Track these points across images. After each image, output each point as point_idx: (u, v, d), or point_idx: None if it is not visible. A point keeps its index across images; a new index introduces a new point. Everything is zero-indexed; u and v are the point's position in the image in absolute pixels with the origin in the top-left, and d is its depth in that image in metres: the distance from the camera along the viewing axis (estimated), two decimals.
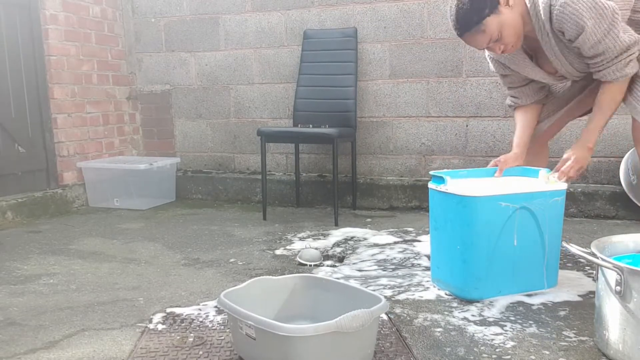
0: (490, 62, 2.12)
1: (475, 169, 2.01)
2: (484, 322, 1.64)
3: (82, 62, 3.61)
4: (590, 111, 2.10)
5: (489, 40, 1.80)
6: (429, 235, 2.66)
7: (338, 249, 2.48)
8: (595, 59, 1.79)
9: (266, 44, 3.61)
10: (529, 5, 1.79)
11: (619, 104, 1.88)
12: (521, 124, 2.09)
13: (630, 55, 1.76)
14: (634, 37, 1.74)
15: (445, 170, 1.92)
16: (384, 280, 2.04)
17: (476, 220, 1.74)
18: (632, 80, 1.84)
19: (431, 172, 1.89)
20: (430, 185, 1.89)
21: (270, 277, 1.60)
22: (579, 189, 3.02)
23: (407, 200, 3.35)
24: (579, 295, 1.83)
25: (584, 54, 1.80)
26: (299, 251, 2.40)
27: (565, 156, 1.90)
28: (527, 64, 1.97)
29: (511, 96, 2.14)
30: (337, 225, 2.93)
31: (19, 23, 3.25)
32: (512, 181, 1.91)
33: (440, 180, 1.84)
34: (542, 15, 1.77)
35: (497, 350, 1.46)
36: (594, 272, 1.79)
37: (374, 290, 1.82)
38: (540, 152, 2.18)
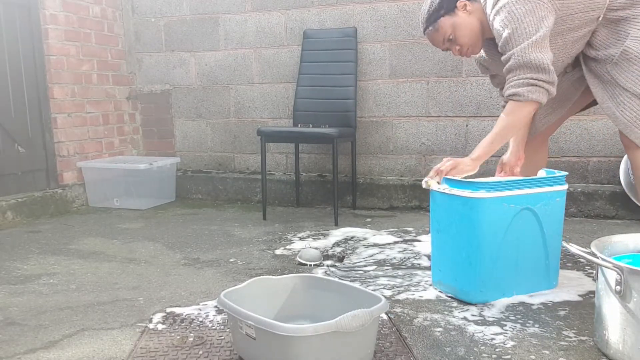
0: (477, 66, 2.23)
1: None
2: (483, 322, 1.64)
3: (82, 62, 3.61)
4: (589, 106, 2.11)
5: (442, 39, 1.96)
6: (429, 235, 2.67)
7: (338, 249, 2.48)
8: (505, 66, 1.82)
9: (266, 44, 3.61)
10: (486, 13, 1.89)
11: (518, 129, 1.92)
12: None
13: (533, 78, 1.76)
14: (544, 62, 1.74)
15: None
16: (383, 280, 2.04)
17: (482, 221, 1.72)
18: (612, 86, 1.84)
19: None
20: (432, 186, 1.88)
21: (270, 277, 1.60)
22: (579, 189, 3.03)
23: (407, 200, 3.35)
24: (579, 295, 1.83)
25: (502, 59, 1.86)
26: (299, 251, 2.40)
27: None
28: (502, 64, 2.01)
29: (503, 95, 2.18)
30: (337, 225, 2.93)
31: (19, 23, 3.25)
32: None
33: (450, 182, 1.82)
34: (490, 18, 1.86)
35: (497, 350, 1.46)
36: (594, 272, 1.79)
37: (374, 290, 1.82)
38: (540, 149, 2.20)
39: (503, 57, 1.83)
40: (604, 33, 1.85)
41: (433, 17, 1.93)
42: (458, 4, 1.91)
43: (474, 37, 1.93)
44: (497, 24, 1.81)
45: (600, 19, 1.83)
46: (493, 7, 1.82)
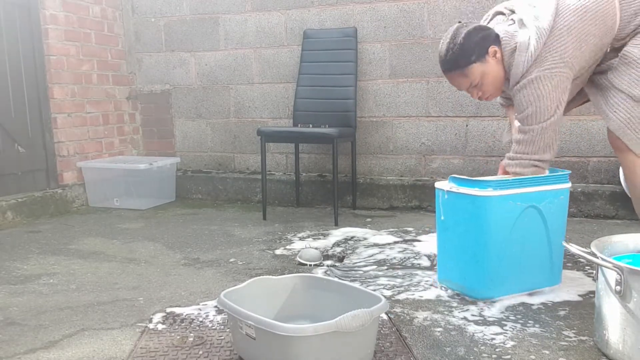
0: (499, 101, 2.23)
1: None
2: (483, 322, 1.64)
3: (82, 62, 3.61)
4: (582, 103, 2.12)
5: (469, 85, 1.90)
6: (429, 235, 2.67)
7: (338, 249, 2.48)
8: (520, 128, 1.85)
9: (266, 44, 3.61)
10: (506, 67, 1.86)
11: None
12: (514, 123, 2.12)
13: (539, 160, 1.83)
14: (553, 147, 1.83)
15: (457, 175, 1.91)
16: (383, 280, 2.04)
17: (489, 219, 1.74)
18: (607, 89, 1.86)
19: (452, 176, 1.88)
20: (438, 185, 1.88)
21: (270, 277, 1.60)
22: (579, 189, 3.03)
23: (407, 200, 3.35)
24: (579, 295, 1.83)
25: (517, 119, 1.89)
26: (299, 251, 2.40)
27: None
28: (506, 88, 2.02)
29: (501, 96, 2.19)
30: (337, 225, 2.93)
31: (19, 23, 3.25)
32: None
33: (457, 181, 1.83)
34: (512, 82, 1.85)
35: (497, 350, 1.46)
36: (594, 272, 1.79)
37: (373, 290, 1.82)
38: None
39: (519, 126, 1.85)
40: (609, 56, 1.89)
41: (463, 62, 1.83)
42: (490, 50, 1.83)
43: (499, 85, 1.90)
44: (521, 96, 1.80)
45: (608, 50, 1.87)
46: (522, 77, 1.79)
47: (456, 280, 1.88)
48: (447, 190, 1.84)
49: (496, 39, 1.84)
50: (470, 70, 1.84)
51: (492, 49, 1.83)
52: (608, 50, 1.86)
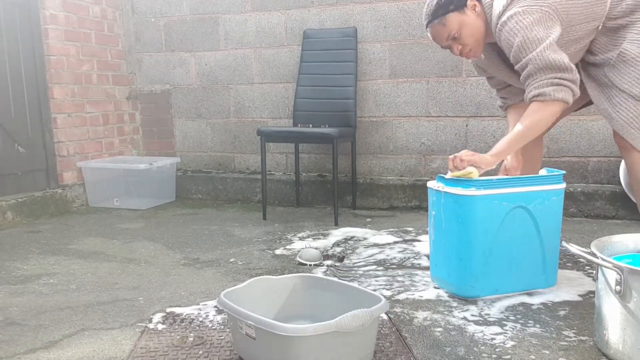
0: (474, 67, 2.21)
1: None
2: (483, 322, 1.64)
3: (82, 62, 3.61)
4: (586, 105, 2.11)
5: (447, 36, 1.90)
6: (428, 234, 2.67)
7: (338, 249, 2.48)
8: (523, 73, 1.80)
9: (266, 44, 3.61)
10: (488, 19, 1.87)
11: (542, 130, 1.85)
12: (514, 125, 2.11)
13: (556, 77, 1.74)
14: (565, 62, 1.73)
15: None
16: (383, 280, 2.04)
17: (472, 218, 1.75)
18: (609, 88, 1.84)
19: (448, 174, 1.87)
20: (429, 184, 1.90)
21: (270, 277, 1.61)
22: (579, 189, 3.03)
23: (407, 200, 3.35)
24: (578, 295, 1.83)
25: (515, 68, 1.85)
26: (299, 251, 2.40)
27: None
28: (502, 68, 2.02)
29: (500, 97, 2.19)
30: (337, 225, 2.93)
31: (18, 23, 3.25)
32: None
33: (443, 180, 1.84)
34: (493, 28, 1.85)
35: (497, 350, 1.46)
36: (594, 272, 1.79)
37: (374, 290, 1.82)
38: (535, 147, 2.20)
39: (517, 65, 1.80)
40: (603, 40, 1.86)
41: (441, 11, 1.87)
42: (468, 2, 1.87)
43: (478, 39, 1.91)
44: (505, 34, 1.79)
45: (600, 27, 1.84)
46: (499, 17, 1.79)
47: (444, 278, 1.89)
48: (435, 189, 1.85)
49: None
50: (447, 19, 1.87)
51: (471, 2, 1.87)
52: (600, 27, 1.83)
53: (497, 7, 1.81)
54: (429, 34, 1.97)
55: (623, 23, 1.81)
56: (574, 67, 1.75)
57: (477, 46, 1.93)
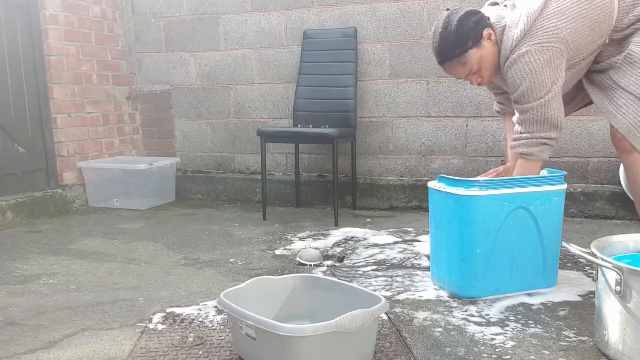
0: (487, 87, 2.21)
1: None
2: (483, 322, 1.64)
3: (82, 62, 3.61)
4: (586, 105, 2.11)
5: (468, 72, 1.86)
6: (428, 235, 2.67)
7: (338, 249, 2.48)
8: (519, 116, 1.82)
9: (266, 44, 3.61)
10: (498, 45, 1.83)
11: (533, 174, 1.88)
12: (511, 130, 2.11)
13: (545, 137, 1.79)
14: (559, 120, 1.77)
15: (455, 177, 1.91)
16: (383, 280, 2.04)
17: (473, 219, 1.75)
18: (612, 89, 1.84)
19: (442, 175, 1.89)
20: (430, 184, 1.90)
21: (270, 277, 1.60)
22: (579, 189, 3.03)
23: (407, 200, 3.35)
24: (578, 295, 1.83)
25: (514, 107, 1.86)
26: (299, 251, 2.40)
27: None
28: (501, 80, 2.00)
29: (497, 102, 2.18)
30: (337, 225, 2.93)
31: (18, 23, 3.25)
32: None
33: (445, 180, 1.84)
34: (502, 60, 1.82)
35: (497, 350, 1.46)
36: (594, 272, 1.79)
37: (374, 290, 1.82)
38: None
39: (517, 107, 1.81)
40: (610, 50, 1.86)
41: (459, 50, 1.79)
42: (484, 33, 1.79)
43: (496, 67, 1.86)
44: (512, 72, 1.76)
45: (607, 41, 1.84)
46: (511, 53, 1.76)
47: (444, 278, 1.89)
48: (436, 190, 1.85)
49: (488, 22, 1.82)
50: (467, 57, 1.81)
51: (487, 31, 1.79)
52: (606, 41, 1.83)
53: (508, 40, 1.77)
54: (442, 68, 1.89)
55: (629, 32, 1.81)
56: (563, 124, 1.80)
57: (495, 75, 1.90)
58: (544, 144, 1.79)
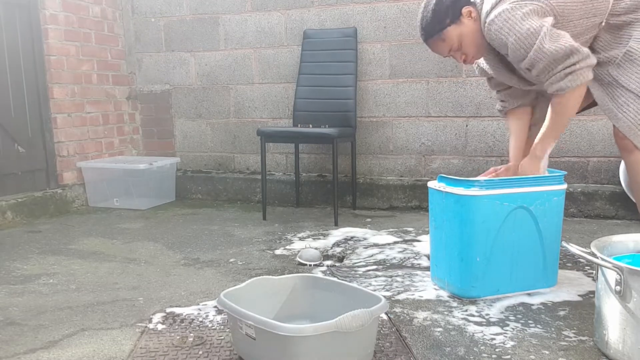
0: (475, 68, 2.18)
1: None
2: (483, 322, 1.64)
3: (82, 62, 3.61)
4: (589, 106, 2.10)
5: (449, 49, 1.89)
6: (429, 235, 2.67)
7: (338, 249, 2.48)
8: (533, 72, 1.78)
9: (266, 44, 3.61)
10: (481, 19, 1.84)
11: (572, 115, 1.83)
12: (514, 132, 2.11)
13: (566, 67, 1.71)
14: (566, 45, 1.68)
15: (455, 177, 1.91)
16: (383, 280, 2.04)
17: (473, 219, 1.75)
18: (613, 87, 1.83)
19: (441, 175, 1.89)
20: (430, 184, 1.90)
21: (270, 277, 1.60)
22: (579, 189, 3.03)
23: (407, 200, 3.35)
24: (578, 295, 1.83)
25: (520, 69, 1.83)
26: (298, 251, 2.40)
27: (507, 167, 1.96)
28: (502, 70, 2.00)
29: (500, 100, 2.17)
30: (337, 225, 2.93)
31: (18, 23, 3.25)
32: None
33: (445, 180, 1.84)
34: (482, 28, 1.82)
35: (497, 350, 1.46)
36: (594, 272, 1.79)
37: (373, 290, 1.82)
38: None
39: (522, 65, 1.77)
40: (606, 38, 1.83)
41: (438, 27, 1.84)
42: (463, 10, 1.83)
43: (480, 44, 1.87)
44: (494, 33, 1.76)
45: (603, 24, 1.81)
46: (487, 16, 1.77)
47: (444, 278, 1.90)
48: (436, 189, 1.85)
49: (469, 0, 1.84)
50: (446, 34, 1.85)
51: (466, 9, 1.83)
52: (603, 23, 1.81)
53: (487, 5, 1.78)
54: (428, 47, 1.94)
55: (627, 20, 1.78)
56: (578, 45, 1.69)
57: (479, 51, 1.91)
58: (570, 72, 1.71)
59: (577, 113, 2.19)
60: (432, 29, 1.86)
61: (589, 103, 2.08)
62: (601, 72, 1.86)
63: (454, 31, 1.84)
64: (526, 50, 1.72)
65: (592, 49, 1.87)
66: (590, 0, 1.75)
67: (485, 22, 1.78)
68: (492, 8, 1.76)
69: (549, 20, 1.71)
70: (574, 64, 1.71)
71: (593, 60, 1.73)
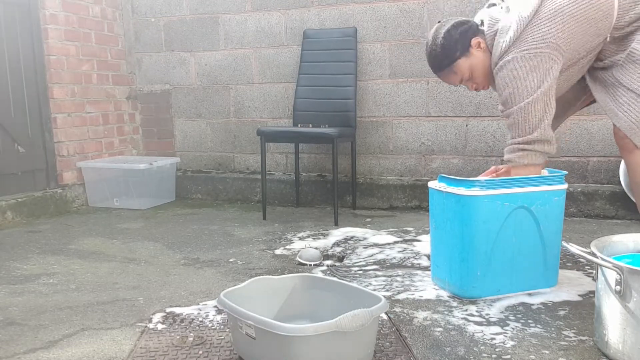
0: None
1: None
2: (483, 322, 1.64)
3: (82, 62, 3.61)
4: (589, 104, 2.10)
5: (460, 80, 1.91)
6: (429, 234, 2.67)
7: (338, 249, 2.48)
8: (507, 126, 1.84)
9: (266, 44, 3.61)
10: (489, 48, 1.86)
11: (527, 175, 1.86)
12: None
13: (522, 142, 1.77)
14: (541, 122, 1.75)
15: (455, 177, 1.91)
16: (383, 280, 2.04)
17: (474, 219, 1.75)
18: (615, 87, 1.83)
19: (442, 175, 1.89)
20: (430, 184, 1.90)
21: (270, 277, 1.60)
22: (579, 189, 3.03)
23: (406, 200, 3.35)
24: (578, 295, 1.83)
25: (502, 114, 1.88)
26: (298, 251, 2.40)
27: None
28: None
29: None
30: (337, 225, 2.93)
31: (18, 23, 3.25)
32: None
33: (445, 180, 1.84)
34: (492, 66, 1.85)
35: (497, 349, 1.46)
36: (594, 271, 1.79)
37: (373, 290, 1.82)
38: None
39: (503, 113, 1.83)
40: (612, 48, 1.85)
41: (447, 61, 1.87)
42: (472, 42, 1.85)
43: (489, 74, 1.89)
44: (498, 79, 1.79)
45: (608, 39, 1.82)
46: (499, 59, 1.79)
47: (444, 278, 1.89)
48: (437, 189, 1.85)
49: (477, 30, 1.86)
50: (457, 67, 1.87)
51: (475, 40, 1.85)
52: (607, 39, 1.82)
53: (498, 47, 1.79)
54: (438, 77, 1.97)
55: (631, 30, 1.80)
56: (545, 127, 1.76)
57: (490, 81, 1.92)
58: (522, 149, 1.79)
59: (578, 111, 2.20)
60: (442, 63, 1.88)
61: (590, 100, 2.09)
62: (605, 75, 1.87)
63: (464, 63, 1.87)
64: (513, 104, 1.77)
65: (598, 58, 1.88)
66: (595, 23, 1.76)
67: (496, 64, 1.80)
68: (505, 52, 1.77)
69: (553, 73, 1.75)
70: (528, 142, 1.77)
71: (550, 148, 1.79)
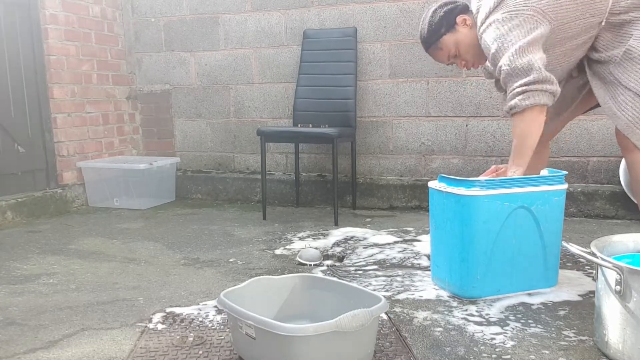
0: (482, 71, 2.21)
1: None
2: (483, 322, 1.64)
3: (82, 62, 3.61)
4: (592, 108, 2.10)
5: (447, 56, 1.99)
6: (429, 234, 2.67)
7: (338, 249, 2.48)
8: (501, 83, 1.82)
9: (266, 44, 3.61)
10: (477, 26, 1.90)
11: (534, 137, 1.80)
12: None
13: (521, 85, 1.73)
14: (530, 64, 1.71)
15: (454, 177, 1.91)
16: (383, 280, 2.04)
17: (474, 219, 1.75)
18: (614, 85, 1.83)
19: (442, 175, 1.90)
20: (430, 184, 1.90)
21: (270, 276, 1.60)
22: (579, 189, 3.03)
23: (406, 200, 3.35)
24: (578, 295, 1.83)
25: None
26: (298, 251, 2.40)
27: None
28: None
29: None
30: (337, 225, 2.93)
31: (18, 23, 3.25)
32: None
33: (445, 180, 1.84)
34: (478, 35, 1.89)
35: (497, 349, 1.46)
36: (594, 271, 1.79)
37: (373, 290, 1.82)
38: (541, 152, 2.19)
39: (496, 74, 1.84)
40: (608, 37, 1.83)
41: (434, 37, 1.95)
42: (458, 19, 1.92)
43: (477, 50, 1.93)
44: (483, 42, 1.83)
45: (603, 23, 1.81)
46: (482, 23, 1.82)
47: (444, 278, 1.90)
48: (437, 189, 1.85)
49: (465, 9, 1.93)
50: (442, 43, 1.95)
51: (460, 17, 1.92)
52: (603, 23, 1.81)
53: (481, 15, 1.84)
54: (431, 57, 2.04)
55: (627, 19, 1.78)
56: (540, 67, 1.72)
57: (479, 56, 1.96)
58: (523, 92, 1.74)
59: (582, 114, 2.19)
60: (430, 39, 1.97)
61: (592, 105, 2.08)
62: (603, 71, 1.86)
63: (449, 39, 1.94)
64: (499, 60, 1.77)
65: (594, 48, 1.87)
66: (588, 1, 1.76)
67: (480, 27, 1.84)
68: (486, 17, 1.81)
69: (538, 31, 1.73)
70: (527, 84, 1.73)
71: (553, 87, 1.74)
